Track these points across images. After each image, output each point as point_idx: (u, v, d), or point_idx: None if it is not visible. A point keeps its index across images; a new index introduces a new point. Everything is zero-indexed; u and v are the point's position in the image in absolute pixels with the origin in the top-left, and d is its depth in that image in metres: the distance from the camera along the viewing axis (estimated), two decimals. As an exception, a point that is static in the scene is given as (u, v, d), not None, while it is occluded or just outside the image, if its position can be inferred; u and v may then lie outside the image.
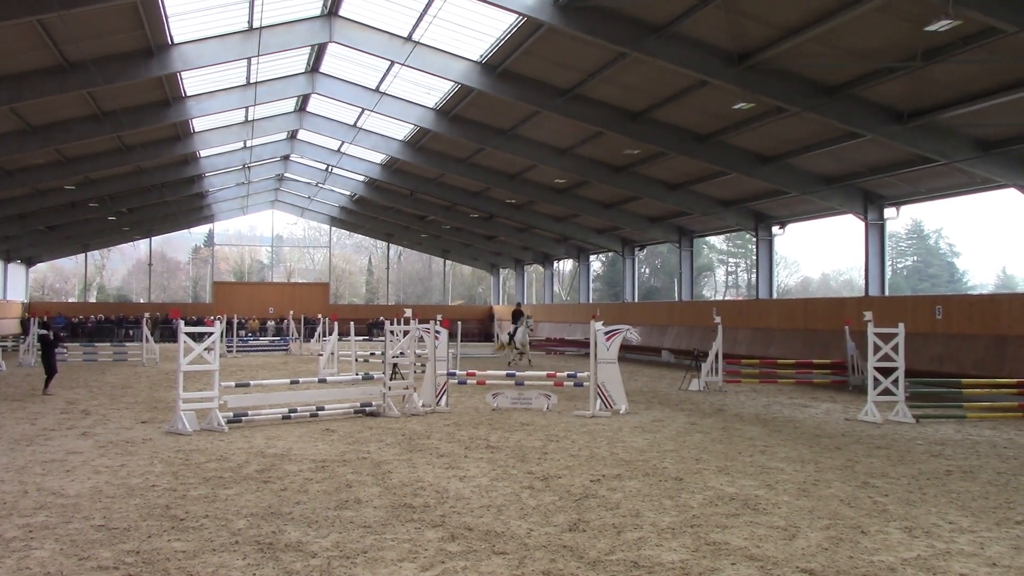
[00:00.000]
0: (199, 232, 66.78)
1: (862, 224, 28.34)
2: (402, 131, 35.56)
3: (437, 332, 18.05)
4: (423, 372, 18.91)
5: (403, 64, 25.51)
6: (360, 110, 33.25)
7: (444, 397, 17.86)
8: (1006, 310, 21.83)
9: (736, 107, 23.26)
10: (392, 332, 18.28)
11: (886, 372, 16.76)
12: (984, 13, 15.33)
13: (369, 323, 55.17)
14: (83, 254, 61.63)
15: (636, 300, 46.46)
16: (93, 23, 20.85)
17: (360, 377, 18.76)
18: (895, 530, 8.09)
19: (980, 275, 74.71)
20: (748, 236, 40.38)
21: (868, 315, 17.14)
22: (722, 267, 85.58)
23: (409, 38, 24.63)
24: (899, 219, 28.84)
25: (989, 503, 9.33)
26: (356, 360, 28.48)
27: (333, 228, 64.87)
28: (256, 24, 23.49)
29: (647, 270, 78.51)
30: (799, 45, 19.02)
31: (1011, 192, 23.07)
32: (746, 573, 6.74)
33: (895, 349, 16.63)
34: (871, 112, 21.61)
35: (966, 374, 20.22)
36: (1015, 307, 21.61)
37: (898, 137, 21.90)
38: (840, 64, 19.88)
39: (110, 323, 56.68)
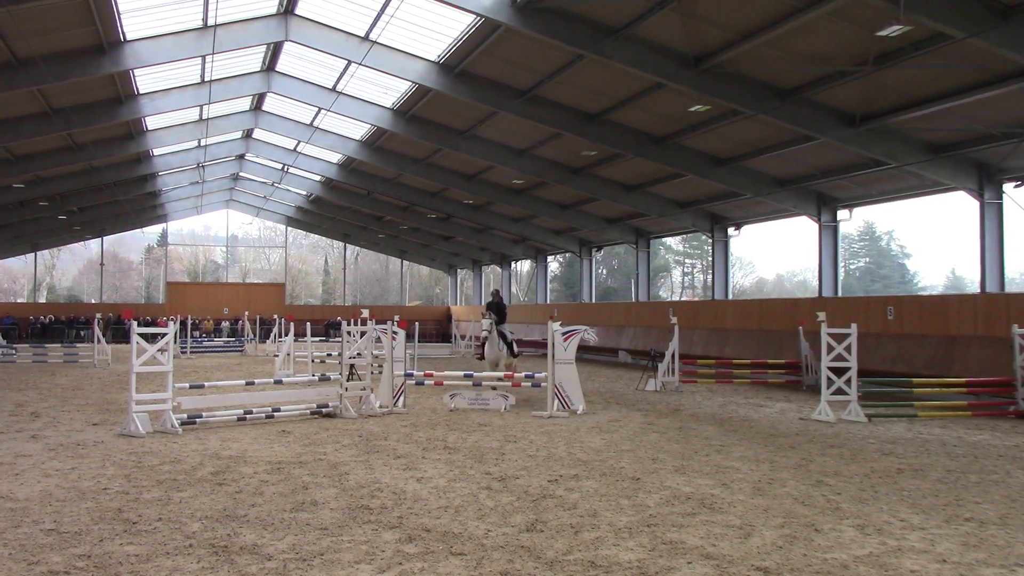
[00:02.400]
0: (152, 232, 66.02)
1: (816, 226, 28.70)
2: (359, 131, 35.39)
3: (394, 333, 17.98)
4: (380, 373, 18.82)
5: (360, 64, 25.39)
6: (317, 109, 33.05)
7: (401, 398, 17.79)
8: (955, 311, 22.21)
9: (692, 109, 23.47)
10: (349, 333, 18.18)
11: (839, 372, 16.96)
12: (933, 19, 15.58)
13: (326, 324, 54.80)
14: (32, 253, 60.56)
15: (594, 301, 46.63)
16: (43, 19, 20.49)
17: (316, 378, 18.63)
18: (848, 528, 8.19)
19: (930, 276, 75.90)
20: (704, 237, 40.73)
21: (822, 316, 17.34)
22: (678, 268, 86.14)
23: (366, 38, 24.52)
24: (852, 221, 29.29)
25: (939, 500, 9.48)
26: (312, 361, 28.29)
27: (289, 228, 64.44)
28: (211, 22, 23.24)
29: (604, 271, 78.83)
30: (754, 49, 19.21)
31: (960, 195, 23.49)
32: (702, 572, 6.79)
33: (848, 349, 16.83)
34: (824, 115, 21.89)
35: (917, 374, 20.53)
36: (964, 308, 22.00)
37: (850, 140, 22.21)
38: (794, 68, 20.12)
39: (60, 324, 55.80)
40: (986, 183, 22.61)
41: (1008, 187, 22.47)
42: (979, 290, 23.10)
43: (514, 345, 21.84)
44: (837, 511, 8.90)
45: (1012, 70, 17.49)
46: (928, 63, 18.09)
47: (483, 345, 21.81)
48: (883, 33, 16.92)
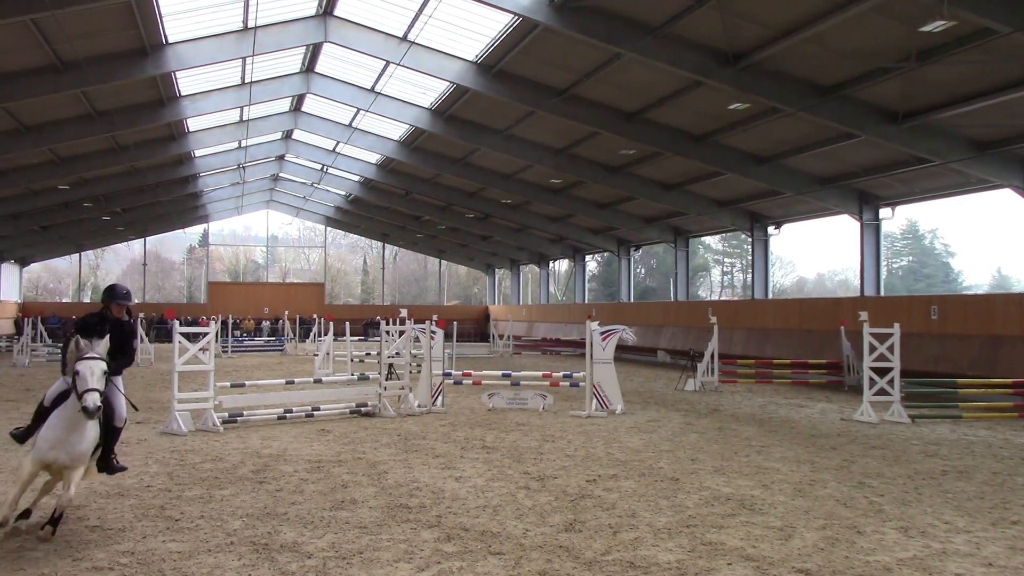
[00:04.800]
0: (194, 232, 66.61)
1: (857, 224, 28.37)
2: (397, 131, 35.51)
3: (433, 332, 18.03)
4: (419, 372, 18.89)
5: (398, 64, 25.47)
6: (355, 110, 33.20)
7: (440, 397, 17.84)
8: (1001, 310, 21.85)
9: (731, 107, 23.27)
10: (388, 332, 18.26)
11: (882, 372, 16.77)
12: (978, 14, 15.35)
13: (365, 323, 55.02)
14: (77, 254, 61.43)
15: (632, 300, 46.45)
16: (87, 23, 20.79)
17: (356, 377, 18.72)
18: (891, 530, 8.09)
19: (975, 275, 74.75)
20: (743, 236, 40.45)
21: (864, 315, 17.15)
22: (718, 267, 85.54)
23: (404, 38, 24.60)
24: (894, 219, 28.90)
25: (985, 503, 9.34)
26: (352, 360, 28.45)
27: (328, 228, 64.80)
28: (251, 24, 23.43)
29: (643, 270, 78.48)
30: (793, 46, 19.02)
31: (1006, 192, 23.10)
32: (742, 573, 6.74)
33: (890, 349, 16.64)
34: (866, 112, 21.62)
35: (961, 374, 20.23)
36: (1010, 307, 21.63)
37: (893, 137, 21.92)
38: (835, 64, 19.89)
39: (105, 323, 56.39)
40: (1033, 180, 22.22)
41: (1055, 184, 22.05)
42: (1025, 289, 22.69)
43: None
44: (880, 513, 8.79)
45: (1059, 65, 17.18)
46: (973, 59, 17.79)
47: None
48: (926, 28, 16.64)
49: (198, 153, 38.98)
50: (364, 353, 29.90)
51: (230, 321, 41.49)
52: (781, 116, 23.01)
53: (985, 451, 13.05)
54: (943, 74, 19.04)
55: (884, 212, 28.23)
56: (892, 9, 16.71)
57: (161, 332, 49.31)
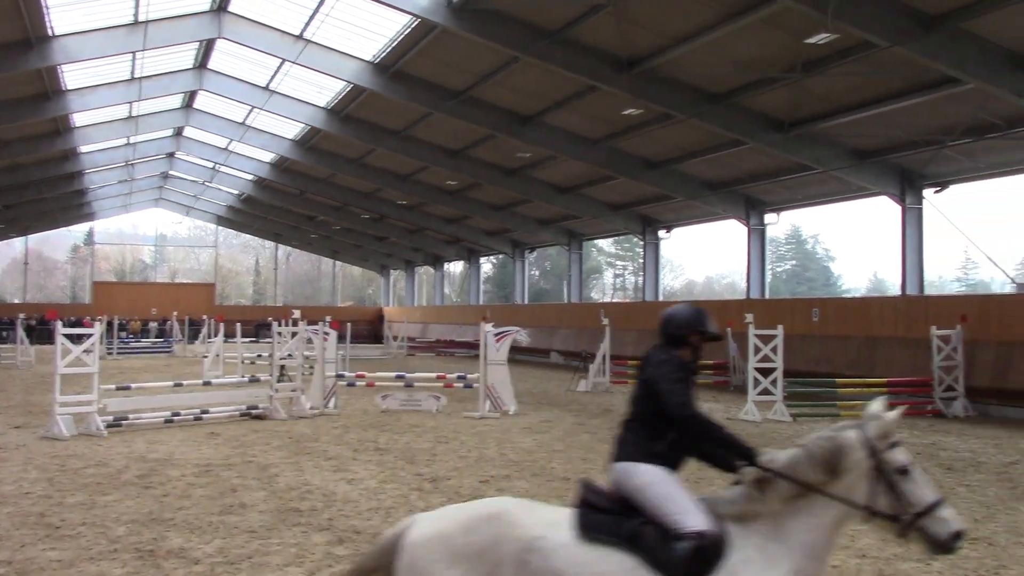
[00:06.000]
0: (79, 230, 64.58)
1: (744, 229, 29.17)
2: (292, 130, 35.05)
3: (326, 333, 17.87)
4: (311, 374, 18.69)
5: (294, 62, 25.19)
6: (249, 108, 32.66)
7: (333, 399, 17.69)
8: (877, 313, 22.78)
9: (625, 113, 23.68)
10: (280, 333, 18.03)
11: (766, 372, 17.30)
12: (859, 28, 15.98)
13: (256, 324, 54.04)
14: (-48, 251, 58.87)
15: (526, 302, 46.78)
16: (-35, 11, 19.97)
17: (246, 379, 18.42)
18: (772, 526, 8.35)
19: (854, 279, 77.64)
20: (636, 239, 41.10)
21: (749, 317, 17.68)
22: (610, 270, 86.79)
23: (300, 36, 24.32)
24: (779, 224, 29.86)
25: (860, 498, 9.71)
26: (242, 362, 27.93)
27: (220, 228, 63.55)
28: (142, 18, 22.83)
29: (537, 272, 79.05)
30: (686, 54, 19.47)
31: (883, 200, 24.07)
32: (630, 570, 6.87)
33: (774, 350, 17.18)
34: (754, 120, 22.27)
35: (840, 374, 21.00)
36: (885, 310, 22.57)
37: (779, 145, 22.64)
38: (725, 73, 20.43)
39: (-19, 324, 54.23)
40: (908, 188, 23.20)
41: (928, 192, 23.08)
42: (900, 293, 23.70)
43: None
44: (762, 509, 9.07)
45: (933, 79, 17.99)
46: (854, 71, 18.52)
47: None
48: (812, 41, 17.29)
49: (84, 149, 37.72)
50: (255, 355, 29.42)
51: (116, 322, 40.24)
52: (673, 122, 23.51)
53: (862, 449, 13.57)
54: (827, 85, 19.75)
55: (769, 217, 29.12)
56: (780, 21, 17.25)
57: (43, 333, 47.57)
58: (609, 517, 4.18)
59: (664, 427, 4.41)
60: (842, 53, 17.94)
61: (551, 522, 4.17)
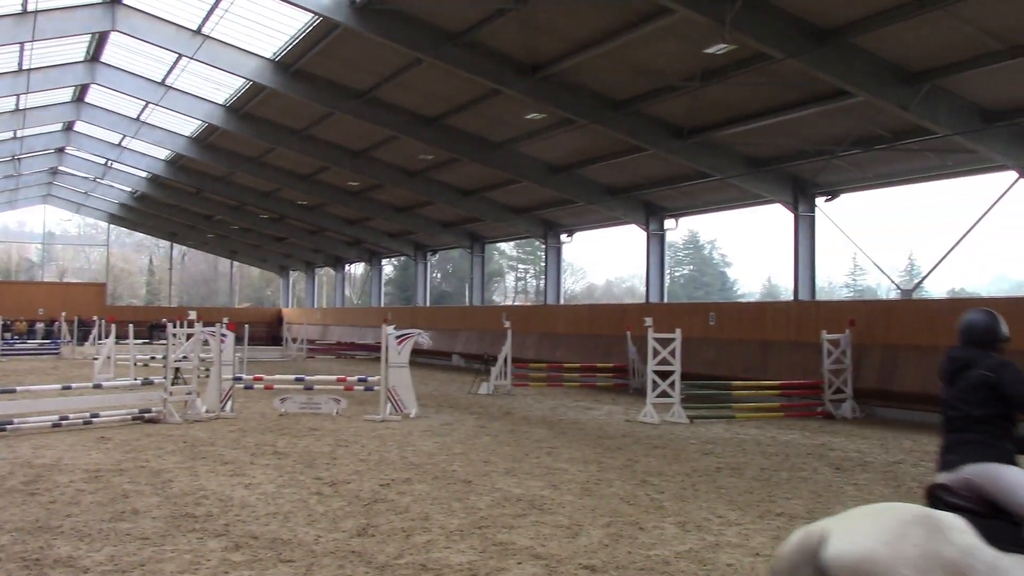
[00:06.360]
0: (-41, 227, 61.90)
1: (644, 234, 29.63)
2: (189, 127, 34.27)
3: (223, 335, 17.52)
4: (207, 377, 18.30)
5: (191, 58, 24.62)
6: (144, 103, 31.78)
7: (229, 402, 17.34)
8: (770, 317, 23.41)
9: (528, 117, 23.83)
10: (175, 335, 17.61)
11: (664, 375, 17.60)
12: (756, 40, 16.39)
13: (150, 326, 52.64)
14: None
15: (428, 304, 46.67)
16: None
17: (139, 382, 17.91)
18: (670, 525, 8.52)
19: (749, 284, 79.60)
20: (537, 243, 41.39)
21: (649, 321, 17.97)
22: (512, 273, 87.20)
23: (198, 31, 23.78)
24: (678, 230, 30.40)
25: (754, 497, 9.98)
26: (135, 365, 27.15)
27: (112, 226, 61.67)
28: (31, 7, 22.01)
29: (439, 275, 78.91)
30: (589, 60, 19.69)
31: (777, 207, 24.73)
32: (531, 572, 6.92)
33: (672, 353, 17.49)
34: (654, 128, 22.65)
35: (736, 377, 21.50)
36: (778, 315, 23.20)
37: (678, 152, 23.07)
38: (627, 80, 20.74)
39: None
40: (800, 197, 23.89)
41: (820, 201, 23.82)
42: (792, 298, 24.39)
43: None
44: (660, 509, 9.24)
45: (825, 91, 18.57)
46: (750, 81, 19.00)
47: None
48: (710, 51, 17.70)
49: (-35, 142, 36.24)
50: (149, 357, 28.68)
51: (0, 323, 38.72)
52: (575, 127, 23.76)
53: (755, 449, 13.94)
54: (724, 94, 20.21)
55: (668, 223, 29.65)
56: (680, 31, 17.57)
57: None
58: (995, 522, 4.21)
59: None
60: (739, 64, 18.39)
61: (961, 528, 4.12)
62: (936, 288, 21.97)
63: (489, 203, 34.25)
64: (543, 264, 37.06)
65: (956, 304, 19.47)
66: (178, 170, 41.10)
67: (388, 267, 62.75)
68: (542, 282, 39.77)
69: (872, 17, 15.65)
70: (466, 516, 8.76)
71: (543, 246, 36.05)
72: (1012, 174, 19.03)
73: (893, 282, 25.78)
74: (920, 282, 23.02)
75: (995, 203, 19.50)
